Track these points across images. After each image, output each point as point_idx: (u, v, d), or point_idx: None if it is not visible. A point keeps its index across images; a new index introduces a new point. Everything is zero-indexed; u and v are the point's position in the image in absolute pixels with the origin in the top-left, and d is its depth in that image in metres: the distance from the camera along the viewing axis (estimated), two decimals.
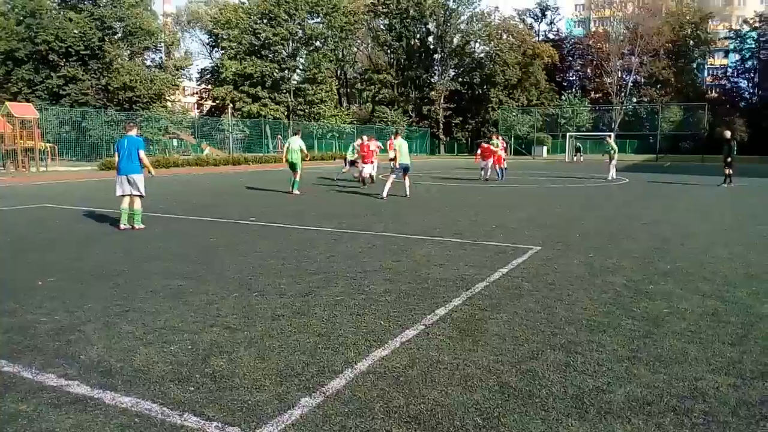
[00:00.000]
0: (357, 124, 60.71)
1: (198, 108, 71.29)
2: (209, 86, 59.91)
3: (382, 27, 68.20)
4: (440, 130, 67.71)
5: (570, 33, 79.75)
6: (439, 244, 8.18)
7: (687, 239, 8.61)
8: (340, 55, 64.88)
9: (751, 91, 71.82)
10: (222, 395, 3.29)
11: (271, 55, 55.14)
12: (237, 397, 3.28)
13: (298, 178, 15.70)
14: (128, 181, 9.28)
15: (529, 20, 76.30)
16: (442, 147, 69.19)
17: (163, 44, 49.63)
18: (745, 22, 68.61)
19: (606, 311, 4.94)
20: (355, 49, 71.99)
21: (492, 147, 21.60)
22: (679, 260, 7.06)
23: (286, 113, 56.13)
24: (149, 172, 9.78)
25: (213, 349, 4.03)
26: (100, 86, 42.27)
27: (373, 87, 66.78)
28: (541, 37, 74.61)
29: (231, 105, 50.96)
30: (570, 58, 74.97)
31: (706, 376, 3.58)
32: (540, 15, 76.73)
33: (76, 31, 40.25)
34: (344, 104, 70.89)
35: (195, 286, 5.75)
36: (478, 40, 67.27)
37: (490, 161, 21.63)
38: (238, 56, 54.20)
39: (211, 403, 3.20)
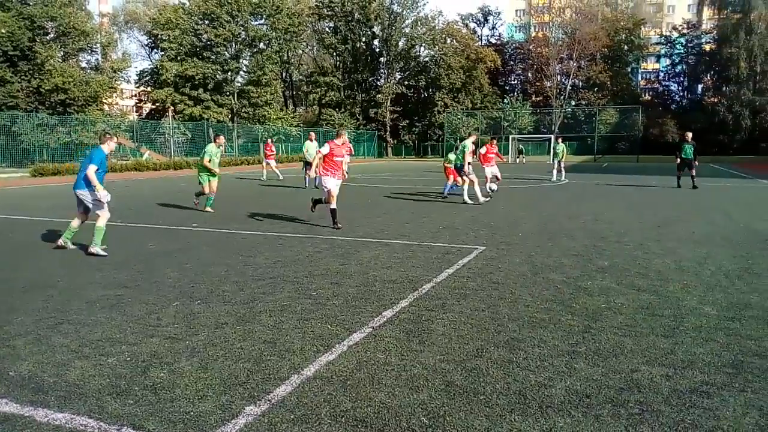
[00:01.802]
0: (303, 126, 60.22)
1: (137, 111, 68.95)
2: (149, 88, 57.99)
3: (327, 30, 67.97)
4: (387, 133, 68.06)
5: (511, 38, 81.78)
6: (386, 246, 8.21)
7: (623, 236, 8.98)
8: (285, 57, 64.21)
9: (681, 94, 75.67)
10: (163, 407, 3.19)
11: (213, 57, 53.93)
12: (178, 408, 3.18)
13: (208, 191, 12.40)
14: (77, 198, 7.97)
15: (472, 25, 77.81)
16: (389, 150, 69.55)
17: (99, 45, 47.71)
18: (674, 28, 72.25)
19: (547, 308, 5.09)
20: (301, 52, 71.49)
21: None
22: (616, 257, 7.35)
23: (229, 116, 55.07)
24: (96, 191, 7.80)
25: (153, 360, 3.90)
26: (30, 89, 40.16)
27: (319, 90, 66.42)
28: (483, 42, 76.17)
29: (172, 108, 49.52)
30: (512, 63, 76.87)
31: (641, 368, 3.73)
32: (482, 20, 78.37)
33: (3, 31, 38.15)
34: (290, 107, 70.22)
35: (134, 295, 5.55)
36: (423, 44, 68.03)
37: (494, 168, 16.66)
38: (178, 58, 52.74)
39: (152, 415, 3.10)
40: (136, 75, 59.85)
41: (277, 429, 2.95)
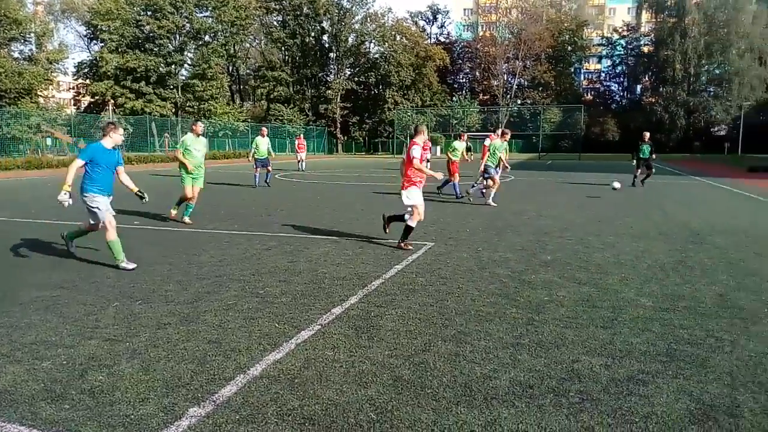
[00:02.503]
0: (251, 121, 59.23)
1: (75, 104, 66.04)
2: (87, 81, 55.65)
3: (275, 23, 67.04)
4: (338, 129, 67.83)
5: (459, 36, 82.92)
6: (336, 243, 8.18)
7: (565, 232, 9.26)
8: (232, 51, 62.95)
9: (621, 94, 78.72)
10: (101, 411, 3.08)
11: (156, 49, 52.29)
12: (118, 412, 3.07)
13: (189, 197, 10.20)
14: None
15: (421, 23, 78.45)
16: (339, 146, 69.34)
17: (33, 35, 45.43)
18: (615, 30, 75.01)
19: (493, 301, 5.19)
20: (248, 45, 70.24)
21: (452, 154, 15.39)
22: (558, 251, 7.58)
23: (173, 110, 53.53)
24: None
25: (91, 363, 3.75)
26: None
27: (267, 84, 65.46)
28: (432, 40, 76.94)
29: (112, 101, 47.71)
30: (460, 61, 77.98)
31: (582, 358, 3.86)
32: (432, 18, 79.14)
33: None
34: (237, 101, 68.88)
35: (71, 296, 5.32)
36: (373, 41, 68.14)
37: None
38: (119, 49, 50.90)
39: (89, 420, 2.98)
40: (74, 67, 57.37)
41: (222, 430, 2.90)
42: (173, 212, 10.42)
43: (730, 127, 63.53)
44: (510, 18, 71.02)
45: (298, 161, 28.27)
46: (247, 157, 18.52)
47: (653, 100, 67.25)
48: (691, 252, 7.55)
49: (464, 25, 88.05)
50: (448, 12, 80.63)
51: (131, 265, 6.38)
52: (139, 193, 6.72)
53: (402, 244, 7.77)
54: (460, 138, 15.86)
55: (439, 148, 60.53)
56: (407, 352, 3.96)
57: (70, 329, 4.40)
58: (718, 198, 15.27)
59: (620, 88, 78.84)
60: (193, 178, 10.09)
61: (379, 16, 67.28)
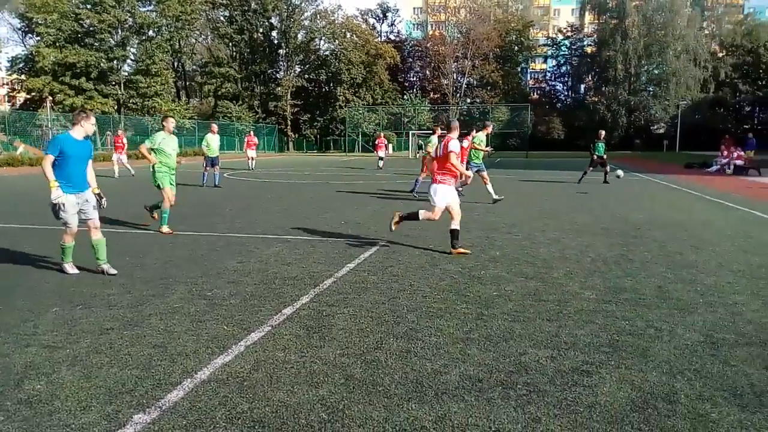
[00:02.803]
0: (198, 119, 57.83)
1: (9, 101, 62.77)
2: (23, 76, 52.98)
3: (222, 19, 65.64)
4: (288, 127, 67.05)
5: (410, 35, 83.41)
6: (287, 242, 8.09)
7: (513, 228, 9.47)
8: (177, 46, 61.23)
9: (566, 93, 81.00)
10: (40, 422, 2.94)
11: (97, 44, 50.31)
12: (58, 421, 2.94)
13: (165, 202, 9.04)
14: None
15: (371, 21, 78.43)
16: (291, 144, 68.59)
17: None
18: (560, 31, 77.11)
19: (444, 297, 5.25)
20: (194, 41, 68.49)
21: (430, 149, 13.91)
22: (506, 247, 7.74)
23: (116, 107, 51.66)
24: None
25: (29, 371, 3.57)
26: None
27: (214, 81, 64.02)
28: (383, 38, 77.07)
29: (50, 98, 45.60)
30: (410, 60, 78.46)
31: (529, 351, 3.96)
32: (381, 16, 79.23)
33: None
34: (183, 98, 67.09)
35: (6, 302, 5.05)
36: (323, 38, 67.68)
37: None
38: (57, 44, 48.64)
39: (26, 431, 2.84)
40: (8, 61, 54.49)
41: None
42: (155, 216, 9.15)
43: (668, 125, 66.46)
44: (459, 17, 71.96)
45: (248, 159, 27.61)
46: (202, 155, 17.87)
47: (596, 99, 69.54)
48: (632, 246, 7.85)
49: (414, 24, 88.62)
50: (398, 10, 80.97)
51: (74, 270, 6.08)
52: (98, 196, 6.20)
53: (458, 250, 7.25)
54: (434, 133, 15.12)
55: (391, 145, 60.87)
56: (359, 350, 3.96)
57: (5, 337, 4.18)
58: (657, 193, 15.95)
59: (565, 88, 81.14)
60: (171, 179, 9.05)
61: (329, 13, 66.94)
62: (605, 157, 19.10)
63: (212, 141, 16.95)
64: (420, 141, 52.83)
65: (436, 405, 3.15)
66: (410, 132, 53.94)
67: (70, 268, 6.09)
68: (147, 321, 4.56)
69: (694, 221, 10.24)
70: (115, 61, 52.18)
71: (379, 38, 75.28)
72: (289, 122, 66.95)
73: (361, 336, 4.23)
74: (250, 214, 11.17)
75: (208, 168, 17.13)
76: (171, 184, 9.04)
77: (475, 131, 14.16)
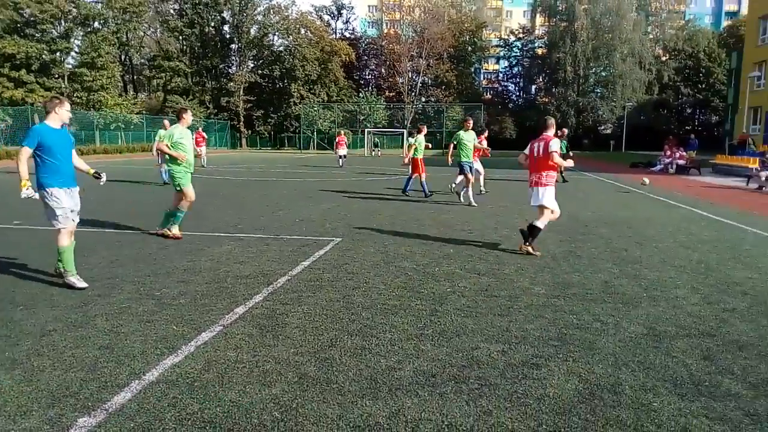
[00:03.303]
0: (147, 114, 56.10)
1: None
2: None
3: (171, 11, 63.86)
4: (241, 123, 65.88)
5: (365, 33, 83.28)
6: (239, 240, 7.95)
7: (467, 225, 9.60)
8: (124, 39, 59.24)
9: (518, 93, 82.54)
10: None
11: (38, 35, 48.07)
12: None
13: (180, 204, 8.27)
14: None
15: (326, 17, 77.87)
16: (243, 140, 67.42)
17: None
18: (512, 32, 78.52)
19: (398, 294, 5.28)
20: (142, 34, 66.40)
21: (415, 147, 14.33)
22: (460, 244, 7.84)
23: None
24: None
25: None
26: None
27: (164, 75, 62.18)
28: (338, 35, 76.67)
29: None
30: (366, 57, 78.33)
31: (481, 345, 4.03)
32: (336, 13, 78.76)
33: None
34: (130, 92, 64.93)
35: None
36: (277, 33, 66.76)
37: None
38: None
39: None
40: None
41: None
42: (174, 230, 8.16)
43: (615, 125, 68.64)
44: (413, 16, 72.27)
45: (197, 156, 26.70)
46: (151, 151, 17.12)
47: (547, 100, 71.18)
48: (579, 242, 8.09)
49: (369, 22, 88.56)
50: (352, 7, 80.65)
51: (82, 284, 5.35)
52: (96, 175, 5.87)
53: (530, 248, 7.18)
54: (419, 131, 14.54)
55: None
56: (313, 348, 3.93)
57: None
58: (604, 192, 16.48)
59: (517, 88, 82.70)
60: (189, 175, 8.22)
61: (283, 8, 66.06)
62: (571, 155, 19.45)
63: (166, 137, 16.30)
64: (375, 139, 52.95)
65: (390, 401, 3.16)
66: (366, 130, 53.93)
67: (78, 281, 5.34)
68: (92, 322, 4.40)
69: (638, 218, 10.63)
70: (58, 53, 49.99)
71: (334, 35, 74.86)
72: (242, 118, 65.76)
73: (315, 334, 4.21)
74: (201, 211, 10.93)
75: (163, 165, 16.49)
76: (191, 182, 8.28)
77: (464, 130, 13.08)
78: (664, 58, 69.72)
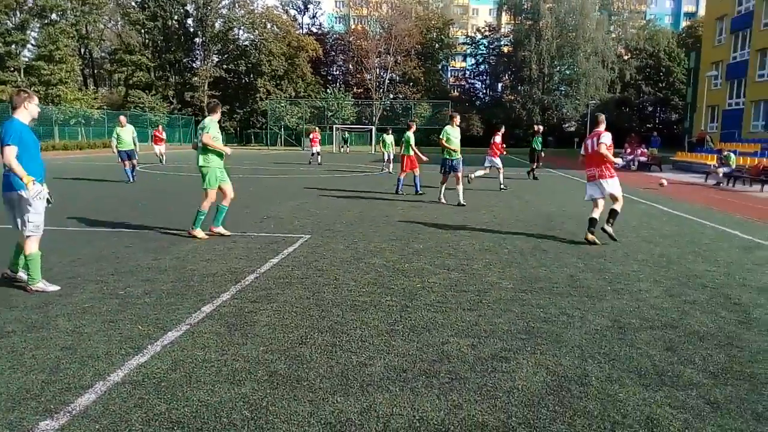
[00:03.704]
0: (108, 108, 54.65)
1: None
2: None
3: (133, 4, 62.30)
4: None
5: (332, 28, 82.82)
6: (206, 238, 7.82)
7: (436, 221, 9.66)
8: (84, 32, 57.51)
9: (484, 91, 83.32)
10: None
11: None
12: None
13: (220, 199, 8.05)
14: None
15: (292, 12, 77.07)
16: None
17: None
18: (478, 30, 79.20)
19: (369, 291, 5.28)
20: (102, 26, 64.58)
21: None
22: (430, 240, 7.88)
23: None
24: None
25: None
26: None
27: (125, 69, 60.63)
28: (305, 30, 76.05)
29: None
30: (333, 53, 77.90)
31: (451, 340, 4.05)
32: (303, 8, 78.07)
33: None
34: (91, 87, 63.13)
35: None
36: (242, 27, 65.81)
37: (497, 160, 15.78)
38: None
39: None
40: None
41: None
42: (218, 228, 7.99)
43: (578, 123, 69.93)
44: (380, 13, 72.17)
45: (158, 155, 25.66)
46: (111, 148, 16.63)
47: (512, 98, 72.04)
48: (546, 237, 8.22)
49: (336, 17, 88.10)
50: (319, 2, 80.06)
51: (53, 287, 5.10)
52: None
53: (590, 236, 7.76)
54: (409, 128, 14.55)
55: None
56: (283, 346, 3.89)
57: None
58: (569, 187, 16.79)
59: (483, 86, 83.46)
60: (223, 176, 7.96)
61: (248, 2, 65.15)
62: (542, 153, 19.64)
63: (122, 133, 15.87)
64: (344, 135, 52.74)
65: (361, 397, 3.16)
66: (334, 126, 53.66)
67: (47, 286, 5.10)
68: (53, 322, 4.26)
69: (602, 214, 10.85)
70: (13, 46, 48.25)
71: (301, 30, 74.22)
72: (206, 114, 64.67)
73: (285, 332, 4.17)
74: (165, 210, 10.71)
75: (126, 162, 16.03)
76: (224, 179, 7.95)
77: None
78: (626, 57, 71.24)
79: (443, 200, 12.32)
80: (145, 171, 20.90)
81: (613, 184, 7.88)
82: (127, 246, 7.17)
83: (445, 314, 4.62)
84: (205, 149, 7.77)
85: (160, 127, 27.62)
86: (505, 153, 16.81)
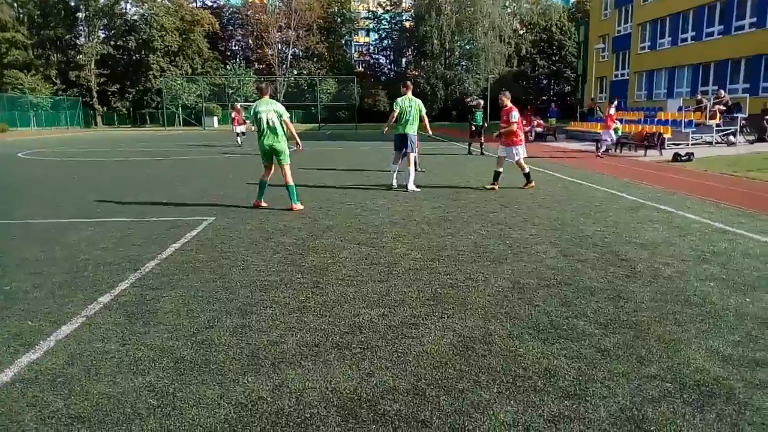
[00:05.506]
0: None
1: None
2: None
3: None
4: (95, 100, 60.39)
5: (228, 2, 79.47)
6: (101, 225, 7.36)
7: (344, 197, 9.67)
8: None
9: (389, 66, 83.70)
10: None
11: None
12: None
13: (290, 181, 8.47)
14: None
15: None
16: (99, 119, 61.97)
17: None
18: (380, 5, 79.04)
19: (279, 269, 5.21)
20: None
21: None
22: (339, 216, 7.89)
23: None
24: None
25: None
26: None
27: None
28: (199, 4, 72.42)
29: None
30: (231, 28, 74.92)
31: (362, 312, 4.11)
32: None
33: None
34: None
35: None
36: (130, 1, 61.64)
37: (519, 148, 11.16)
38: None
39: None
40: None
41: None
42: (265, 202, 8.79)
43: (480, 97, 72.28)
44: None
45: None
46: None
47: (416, 73, 72.91)
48: (450, 207, 8.48)
49: None
50: None
51: None
52: None
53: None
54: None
55: (216, 119, 57.96)
56: (189, 331, 3.77)
57: None
58: (472, 159, 17.37)
59: (388, 61, 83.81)
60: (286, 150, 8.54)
61: None
62: (483, 128, 19.05)
63: None
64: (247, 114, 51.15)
65: (273, 374, 3.14)
66: (237, 104, 51.88)
67: None
68: None
69: (503, 182, 11.35)
70: None
71: (195, 3, 70.61)
72: (95, 94, 60.26)
73: (190, 317, 4.04)
74: (53, 197, 9.95)
75: None
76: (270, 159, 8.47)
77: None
78: (521, 32, 74.07)
79: (395, 183, 10.80)
80: (29, 156, 19.23)
81: (520, 150, 10.47)
82: (10, 238, 6.60)
83: (356, 287, 4.67)
84: (276, 129, 8.28)
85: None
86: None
